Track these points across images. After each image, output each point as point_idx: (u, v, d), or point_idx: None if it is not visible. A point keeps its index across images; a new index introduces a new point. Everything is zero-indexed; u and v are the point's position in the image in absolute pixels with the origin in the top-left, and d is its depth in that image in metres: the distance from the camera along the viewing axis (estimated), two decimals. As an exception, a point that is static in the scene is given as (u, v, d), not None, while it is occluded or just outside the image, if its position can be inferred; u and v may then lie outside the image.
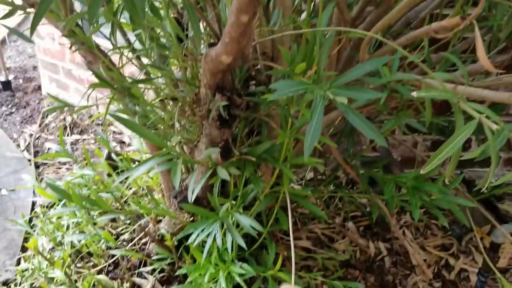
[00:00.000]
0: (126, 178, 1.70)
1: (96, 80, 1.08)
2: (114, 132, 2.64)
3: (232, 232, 1.07)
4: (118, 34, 1.10)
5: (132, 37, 1.12)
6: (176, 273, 1.39)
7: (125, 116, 1.14)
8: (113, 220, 1.68)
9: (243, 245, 1.06)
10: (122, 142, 2.55)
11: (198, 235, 1.12)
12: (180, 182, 1.33)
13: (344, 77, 0.76)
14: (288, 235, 1.44)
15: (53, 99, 1.11)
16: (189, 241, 1.12)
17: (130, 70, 1.16)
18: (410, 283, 1.57)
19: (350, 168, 1.33)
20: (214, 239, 1.09)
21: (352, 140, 1.44)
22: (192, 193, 1.07)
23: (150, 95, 1.28)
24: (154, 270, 1.44)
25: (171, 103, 1.19)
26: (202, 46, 1.05)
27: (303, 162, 1.12)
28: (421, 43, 1.21)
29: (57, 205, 1.73)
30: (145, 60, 1.16)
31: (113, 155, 1.72)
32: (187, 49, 1.00)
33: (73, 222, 1.61)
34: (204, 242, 1.17)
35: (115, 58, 1.12)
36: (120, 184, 1.67)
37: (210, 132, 1.05)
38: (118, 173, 1.71)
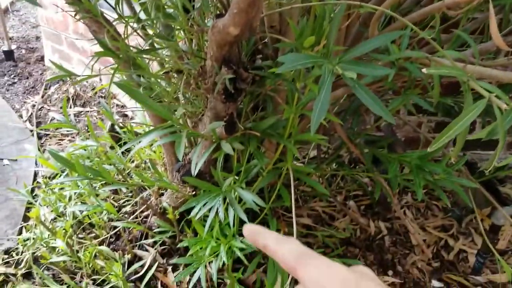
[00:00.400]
0: (129, 151, 1.71)
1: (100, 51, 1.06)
2: (117, 105, 2.63)
3: (235, 206, 1.07)
4: (124, 5, 1.09)
5: (138, 7, 1.10)
6: (177, 246, 1.40)
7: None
8: (115, 192, 1.68)
9: (245, 219, 1.06)
10: (125, 116, 2.54)
11: (200, 209, 1.12)
12: (183, 156, 1.33)
13: (354, 51, 0.75)
14: (289, 212, 1.45)
15: (57, 67, 1.10)
16: (191, 214, 1.12)
17: (136, 42, 1.15)
18: (409, 262, 1.58)
19: (354, 147, 1.32)
20: (216, 213, 1.09)
21: (357, 118, 1.43)
22: (195, 167, 1.07)
23: (154, 67, 1.27)
24: (155, 242, 1.45)
25: (175, 75, 1.18)
26: (209, 17, 1.04)
27: (308, 139, 1.11)
28: (429, 23, 1.20)
29: (60, 176, 1.74)
30: (151, 32, 1.14)
31: (116, 127, 1.71)
32: (193, 20, 0.98)
33: (75, 193, 1.62)
34: (205, 217, 1.17)
35: (120, 29, 1.11)
36: (123, 157, 1.67)
37: (215, 106, 1.04)
38: (120, 146, 1.71)
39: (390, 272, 1.54)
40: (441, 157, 1.30)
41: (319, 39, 0.85)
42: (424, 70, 0.71)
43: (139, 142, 1.03)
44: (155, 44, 1.15)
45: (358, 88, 0.72)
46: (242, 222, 1.23)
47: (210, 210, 1.11)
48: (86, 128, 2.37)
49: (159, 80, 1.17)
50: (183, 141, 0.92)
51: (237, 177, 1.15)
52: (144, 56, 1.09)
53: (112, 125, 1.81)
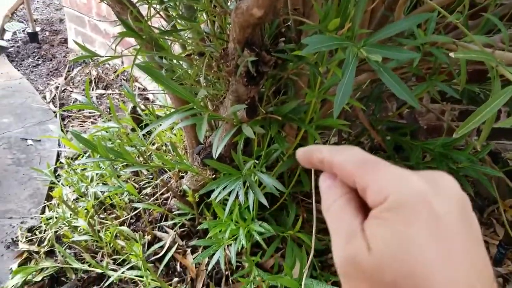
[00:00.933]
0: (150, 133, 1.72)
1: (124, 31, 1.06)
2: (138, 88, 2.64)
3: (255, 190, 1.07)
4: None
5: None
6: (197, 229, 1.41)
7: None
8: (136, 174, 1.70)
9: (265, 203, 1.06)
10: (146, 99, 2.56)
11: (220, 192, 1.12)
12: (203, 139, 1.33)
13: (379, 34, 0.74)
14: (308, 198, 1.44)
15: (81, 48, 1.11)
16: (211, 197, 1.13)
17: (159, 24, 1.14)
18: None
19: (376, 133, 1.31)
20: (236, 197, 1.09)
21: (379, 105, 1.41)
22: (216, 150, 1.07)
23: (176, 50, 1.27)
24: (175, 224, 1.46)
25: (197, 58, 1.18)
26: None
27: (330, 124, 1.10)
28: (456, 8, 1.17)
29: (82, 157, 1.76)
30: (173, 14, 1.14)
31: (138, 109, 1.73)
32: (216, 1, 0.98)
33: (97, 174, 1.64)
34: (225, 200, 1.18)
35: (143, 11, 1.11)
36: (144, 139, 1.69)
37: (236, 89, 1.04)
38: (142, 128, 1.72)
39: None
40: (463, 146, 1.28)
41: (343, 22, 0.84)
42: (452, 54, 0.69)
43: (161, 124, 1.04)
44: (177, 26, 1.15)
45: (383, 72, 0.71)
46: (261, 207, 1.23)
47: (230, 193, 1.11)
48: (108, 110, 2.39)
49: (181, 62, 1.16)
50: (204, 124, 0.92)
51: (257, 162, 1.15)
52: (167, 37, 1.09)
53: (134, 107, 1.83)
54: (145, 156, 1.53)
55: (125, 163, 1.45)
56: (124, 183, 1.49)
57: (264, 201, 1.07)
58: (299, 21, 1.03)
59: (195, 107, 0.98)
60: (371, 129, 1.30)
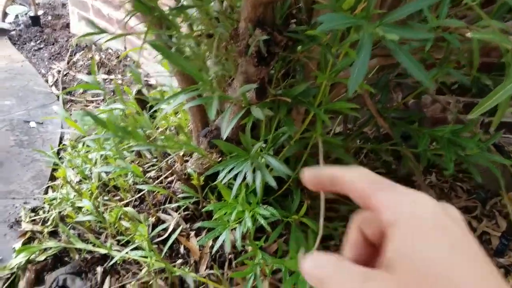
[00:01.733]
0: (154, 118, 1.71)
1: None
2: (141, 74, 2.63)
3: (263, 171, 1.06)
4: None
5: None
6: (201, 212, 1.41)
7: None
8: (140, 156, 1.69)
9: (274, 184, 1.06)
10: (149, 85, 2.54)
11: (226, 174, 1.11)
12: (209, 122, 1.33)
13: (395, 14, 0.73)
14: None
15: (90, 25, 1.09)
16: (218, 179, 1.12)
17: (168, 6, 1.13)
18: (431, 241, 1.56)
19: (383, 120, 1.30)
20: (244, 179, 1.09)
21: (387, 93, 1.40)
22: (225, 132, 1.06)
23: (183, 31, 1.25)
24: (179, 207, 1.46)
25: (205, 40, 1.17)
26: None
27: (339, 108, 1.09)
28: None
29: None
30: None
31: (144, 90, 1.71)
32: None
33: (101, 156, 1.63)
34: (230, 184, 1.17)
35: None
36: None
37: (246, 70, 1.03)
38: (147, 111, 1.71)
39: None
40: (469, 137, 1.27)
41: (357, 3, 0.83)
42: (469, 34, 0.69)
43: (167, 103, 1.03)
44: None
45: (399, 52, 0.70)
46: (266, 192, 1.22)
47: (235, 177, 1.11)
48: (112, 94, 2.38)
49: (190, 41, 1.16)
50: (215, 103, 0.91)
51: (264, 145, 1.15)
52: (176, 15, 1.08)
53: (139, 91, 1.82)
54: (151, 138, 1.53)
55: (129, 145, 1.45)
56: (129, 165, 1.49)
57: (272, 181, 1.06)
58: (310, 2, 1.02)
59: (202, 87, 0.97)
60: (378, 116, 1.29)
